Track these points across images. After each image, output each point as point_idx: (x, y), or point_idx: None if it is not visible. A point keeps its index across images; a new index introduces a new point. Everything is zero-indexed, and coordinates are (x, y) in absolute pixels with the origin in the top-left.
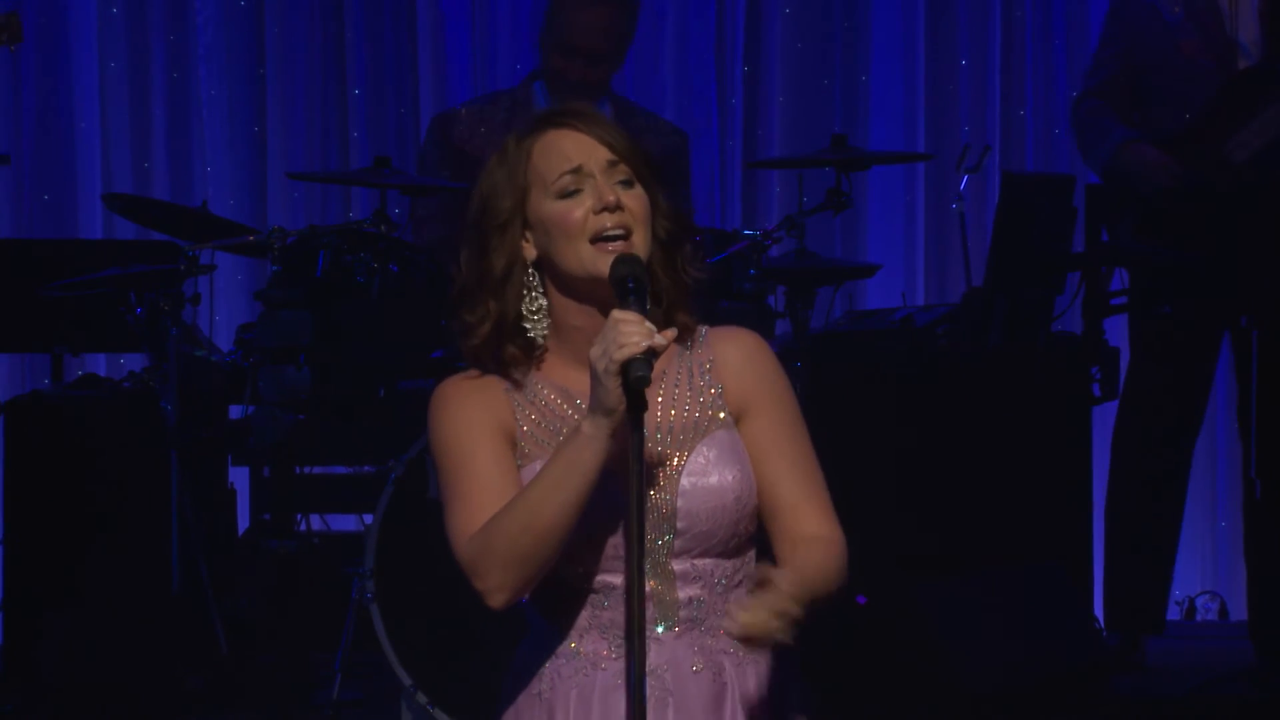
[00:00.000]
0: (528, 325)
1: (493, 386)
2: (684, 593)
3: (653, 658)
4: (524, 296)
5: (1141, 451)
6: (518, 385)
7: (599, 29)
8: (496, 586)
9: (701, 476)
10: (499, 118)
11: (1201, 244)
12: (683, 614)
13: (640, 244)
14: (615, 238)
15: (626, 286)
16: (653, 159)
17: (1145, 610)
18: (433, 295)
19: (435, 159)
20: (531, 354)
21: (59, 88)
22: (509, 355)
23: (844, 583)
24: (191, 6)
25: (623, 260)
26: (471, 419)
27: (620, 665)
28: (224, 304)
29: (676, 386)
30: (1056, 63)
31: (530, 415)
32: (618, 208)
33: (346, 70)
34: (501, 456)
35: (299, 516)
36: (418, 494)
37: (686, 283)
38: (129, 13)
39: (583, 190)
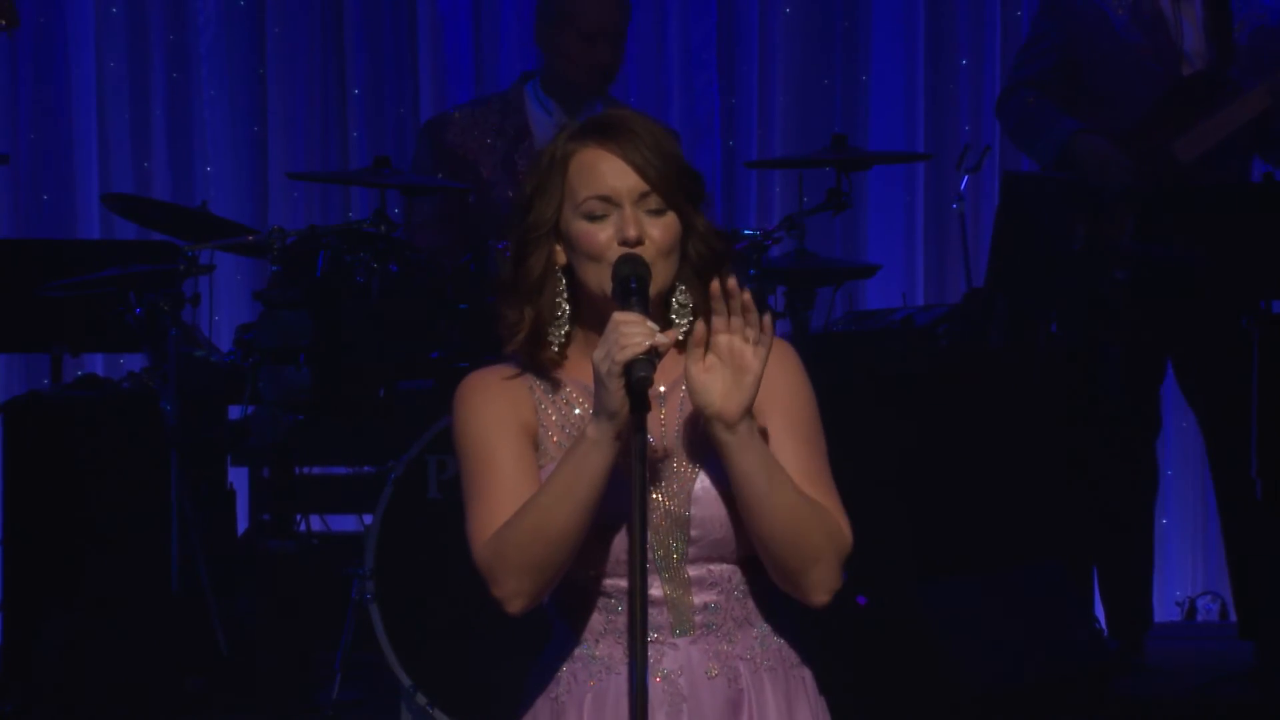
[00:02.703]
0: (554, 330)
1: (517, 383)
2: (699, 598)
3: (668, 662)
4: (558, 303)
5: (1108, 452)
6: (542, 383)
7: (613, 6)
8: (513, 593)
9: (716, 483)
10: (491, 121)
11: (1154, 241)
12: (699, 619)
13: (661, 274)
14: None
15: (629, 287)
16: (692, 178)
17: (1131, 607)
18: (433, 295)
19: (428, 164)
20: (565, 356)
21: (58, 87)
22: (547, 358)
23: (832, 567)
24: (191, 6)
25: (625, 261)
26: (496, 416)
27: None
28: (224, 304)
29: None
30: None
31: (551, 415)
32: (638, 243)
33: (346, 70)
34: (523, 456)
35: (299, 516)
36: (418, 494)
37: (716, 306)
38: (128, 12)
39: (609, 216)
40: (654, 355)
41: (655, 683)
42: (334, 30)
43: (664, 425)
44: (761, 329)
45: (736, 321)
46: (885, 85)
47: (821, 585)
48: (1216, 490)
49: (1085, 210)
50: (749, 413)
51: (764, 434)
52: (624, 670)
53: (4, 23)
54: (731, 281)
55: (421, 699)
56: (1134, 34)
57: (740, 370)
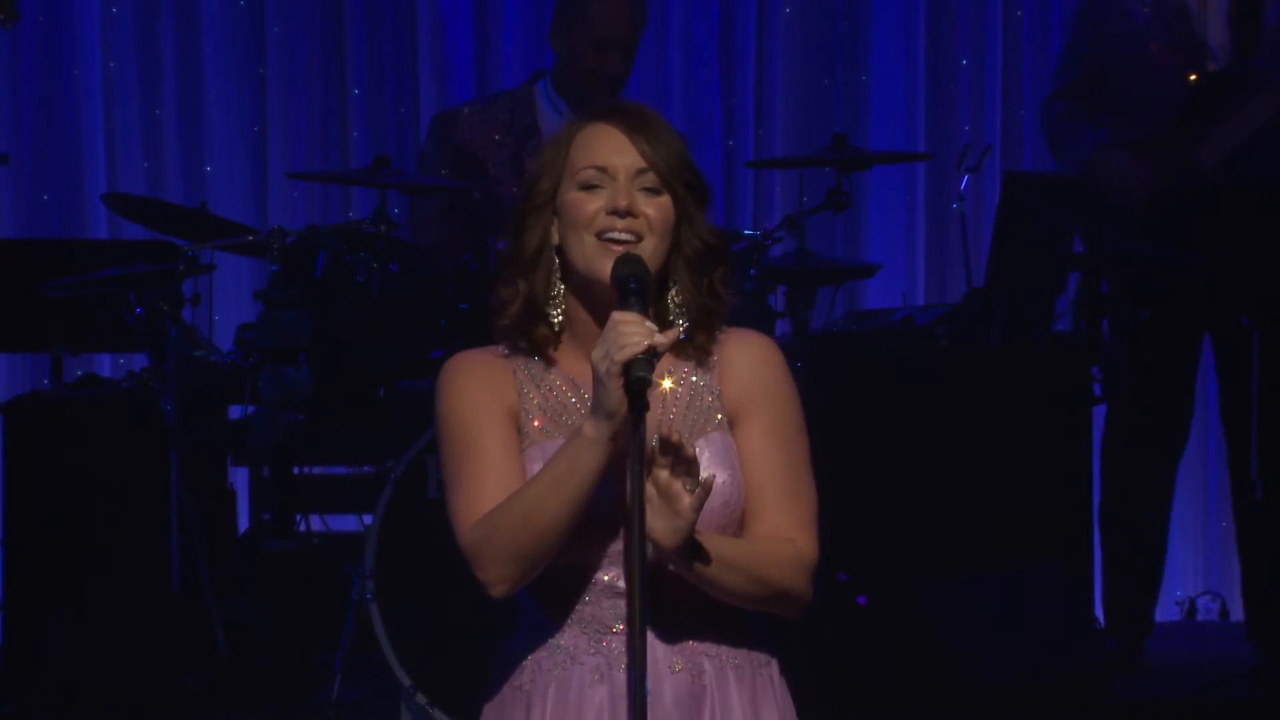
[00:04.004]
0: (550, 310)
1: (500, 366)
2: (668, 593)
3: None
4: (551, 281)
5: (1128, 455)
6: (526, 367)
7: (629, 19)
8: (497, 579)
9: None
10: (501, 118)
11: (1177, 247)
12: (666, 614)
13: (650, 251)
14: (621, 240)
15: (628, 287)
16: (694, 173)
17: (1134, 613)
18: (433, 295)
19: (436, 159)
20: (559, 337)
21: (60, 87)
22: (539, 336)
23: (801, 591)
24: (194, 6)
25: (624, 260)
26: (479, 398)
27: (598, 661)
28: (224, 304)
29: (679, 386)
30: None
31: (534, 400)
32: (628, 214)
33: (346, 70)
34: (507, 440)
35: (299, 516)
36: (418, 494)
37: (711, 305)
38: (130, 12)
39: (603, 188)
40: (653, 355)
41: (618, 675)
42: (334, 30)
43: (648, 416)
44: (702, 485)
45: (679, 468)
46: (885, 85)
47: (791, 608)
48: (1232, 490)
49: (1092, 212)
50: (687, 544)
51: (749, 435)
52: (587, 661)
53: (3, 17)
54: (676, 436)
55: (421, 699)
56: (1156, 33)
57: (675, 515)
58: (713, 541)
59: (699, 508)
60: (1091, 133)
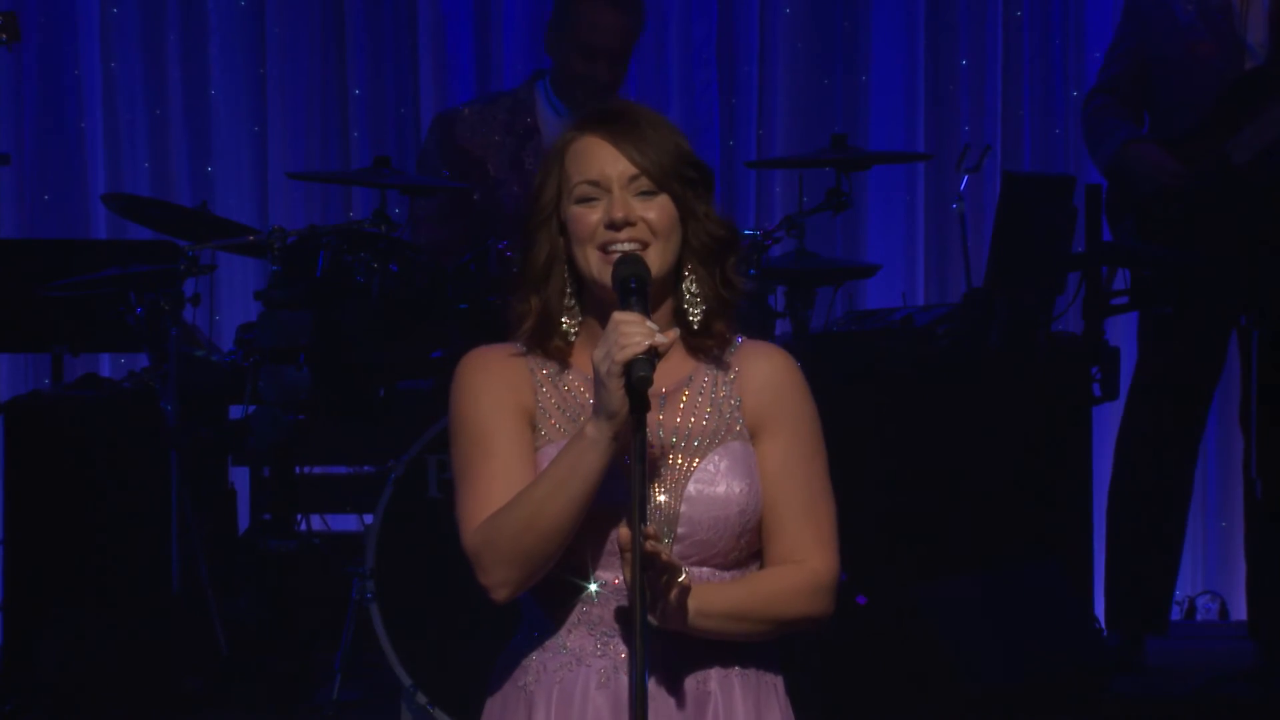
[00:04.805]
0: (564, 320)
1: (518, 365)
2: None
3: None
4: (564, 293)
5: (1147, 451)
6: (545, 366)
7: (619, 30)
8: (500, 582)
9: (708, 485)
10: (501, 118)
11: (1204, 243)
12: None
13: (658, 253)
14: (626, 251)
15: (629, 287)
16: (692, 168)
17: (1149, 610)
18: (433, 295)
19: (437, 158)
20: (574, 343)
21: (61, 87)
22: (554, 348)
23: (820, 612)
24: (194, 7)
25: (624, 261)
26: (494, 397)
27: (604, 663)
28: (224, 304)
29: (700, 394)
30: (1056, 63)
31: (552, 399)
32: (625, 224)
33: (346, 70)
34: (520, 440)
35: (299, 516)
36: (418, 494)
37: (726, 295)
38: (131, 12)
39: (600, 200)
40: (654, 355)
41: (622, 679)
42: (334, 30)
43: (663, 425)
44: (681, 577)
45: (659, 567)
46: (885, 85)
47: (811, 629)
48: (1245, 490)
49: (1117, 208)
50: (682, 622)
51: (770, 451)
52: (593, 663)
53: (5, 37)
54: (650, 545)
55: (421, 699)
56: (1198, 31)
57: (666, 602)
58: (715, 599)
59: (683, 600)
60: (1126, 126)
